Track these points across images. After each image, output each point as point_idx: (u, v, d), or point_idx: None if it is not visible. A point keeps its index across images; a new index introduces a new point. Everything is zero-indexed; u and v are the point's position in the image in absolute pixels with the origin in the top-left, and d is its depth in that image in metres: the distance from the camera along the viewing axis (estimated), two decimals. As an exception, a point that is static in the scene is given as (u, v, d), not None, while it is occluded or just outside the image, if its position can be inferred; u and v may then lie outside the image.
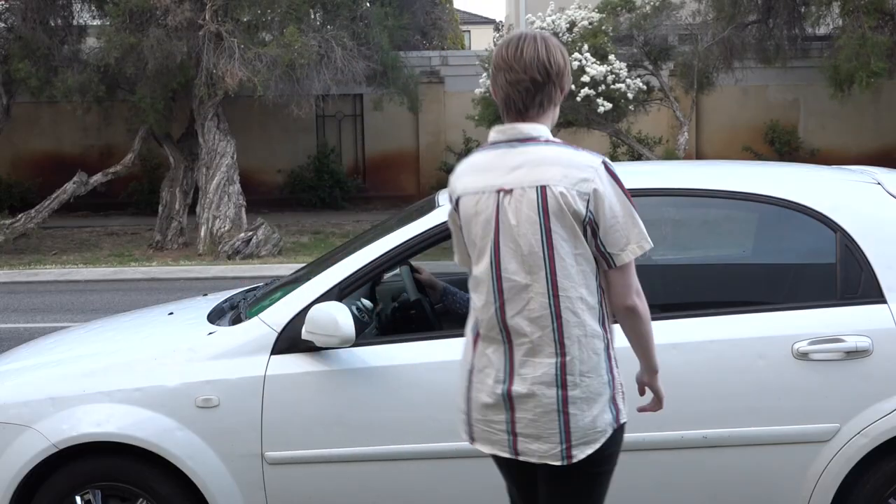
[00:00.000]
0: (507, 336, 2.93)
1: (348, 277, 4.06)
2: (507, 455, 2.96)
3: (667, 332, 3.83)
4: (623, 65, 15.19)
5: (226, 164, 15.66)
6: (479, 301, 2.98)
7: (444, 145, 21.22)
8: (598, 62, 14.78)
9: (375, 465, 3.93)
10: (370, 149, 21.64)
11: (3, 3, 16.23)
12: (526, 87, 2.91)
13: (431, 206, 4.29)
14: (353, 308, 4.75)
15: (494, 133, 2.98)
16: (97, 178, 16.60)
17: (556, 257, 2.86)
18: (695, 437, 3.81)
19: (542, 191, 2.84)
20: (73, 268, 14.76)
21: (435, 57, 21.73)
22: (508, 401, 2.91)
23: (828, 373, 3.80)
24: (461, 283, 5.44)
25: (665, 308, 4.03)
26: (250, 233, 15.34)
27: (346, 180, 20.95)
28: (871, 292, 3.85)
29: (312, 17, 16.40)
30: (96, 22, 17.09)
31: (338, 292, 4.03)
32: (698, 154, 20.74)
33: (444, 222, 4.01)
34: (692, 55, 16.45)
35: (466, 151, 20.73)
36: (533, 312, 2.88)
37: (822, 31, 17.18)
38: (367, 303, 5.03)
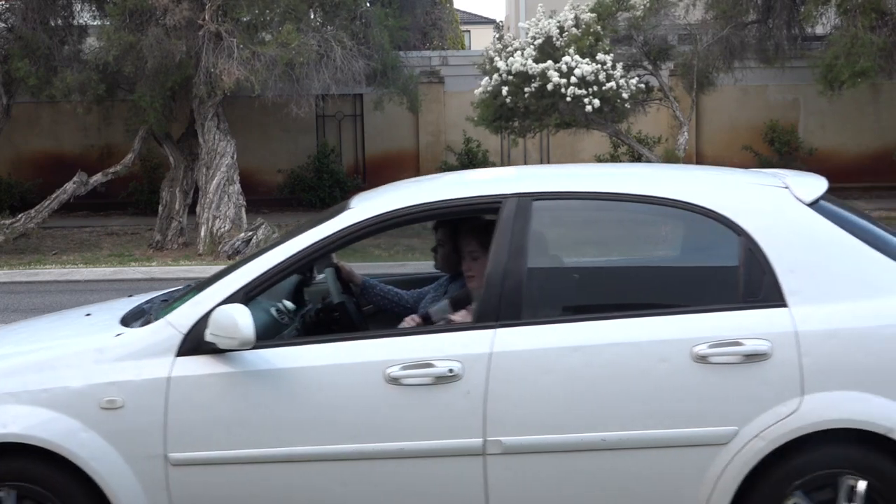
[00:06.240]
0: None
1: (254, 280, 4.05)
2: None
3: (569, 335, 3.84)
4: (613, 61, 14.96)
5: (226, 164, 15.66)
6: None
7: (444, 145, 21.22)
8: (587, 62, 14.57)
9: (277, 466, 3.92)
10: (370, 149, 21.64)
11: (4, 3, 16.23)
12: None
13: (342, 209, 4.29)
14: (273, 310, 4.73)
15: None
16: (97, 178, 16.60)
17: None
18: (593, 439, 3.78)
19: None
20: (73, 268, 14.77)
21: (435, 57, 21.74)
22: None
23: (726, 376, 3.77)
24: (407, 283, 5.45)
25: (567, 310, 4.02)
26: (250, 233, 15.35)
27: (346, 180, 20.94)
28: (772, 296, 3.82)
29: (312, 17, 16.40)
30: (96, 22, 17.09)
31: (243, 294, 4.01)
32: (698, 154, 20.74)
33: (353, 224, 4.06)
34: (692, 55, 16.43)
35: (467, 152, 20.75)
36: None
37: (821, 30, 17.17)
38: (288, 304, 5.00)
